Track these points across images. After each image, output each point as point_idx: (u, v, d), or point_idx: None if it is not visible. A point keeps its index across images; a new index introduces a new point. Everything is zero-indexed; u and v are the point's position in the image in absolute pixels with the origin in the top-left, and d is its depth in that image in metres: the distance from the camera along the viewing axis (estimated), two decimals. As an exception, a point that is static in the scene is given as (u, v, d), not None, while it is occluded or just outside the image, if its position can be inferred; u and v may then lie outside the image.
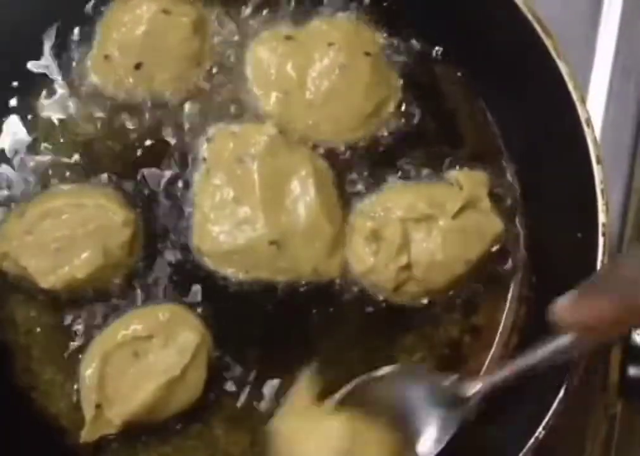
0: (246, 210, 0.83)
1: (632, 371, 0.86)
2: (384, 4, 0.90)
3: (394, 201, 0.85)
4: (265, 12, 0.90)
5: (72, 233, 0.82)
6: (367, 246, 0.85)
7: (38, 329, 0.85)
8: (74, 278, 0.81)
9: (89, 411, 0.81)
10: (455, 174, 0.88)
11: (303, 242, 0.84)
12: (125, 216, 0.83)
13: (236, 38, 0.90)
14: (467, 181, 0.86)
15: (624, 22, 1.00)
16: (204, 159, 0.86)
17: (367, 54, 0.86)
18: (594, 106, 0.97)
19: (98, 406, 0.80)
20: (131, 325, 0.82)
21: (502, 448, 0.78)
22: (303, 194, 0.84)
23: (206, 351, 0.82)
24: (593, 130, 0.77)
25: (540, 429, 0.74)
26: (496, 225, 0.86)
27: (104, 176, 0.87)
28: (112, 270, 0.84)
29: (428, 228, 0.84)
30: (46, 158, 0.87)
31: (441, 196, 0.85)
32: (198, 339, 0.81)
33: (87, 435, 0.81)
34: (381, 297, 0.86)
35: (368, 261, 0.85)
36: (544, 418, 0.74)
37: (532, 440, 0.74)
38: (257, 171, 0.84)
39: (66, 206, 0.83)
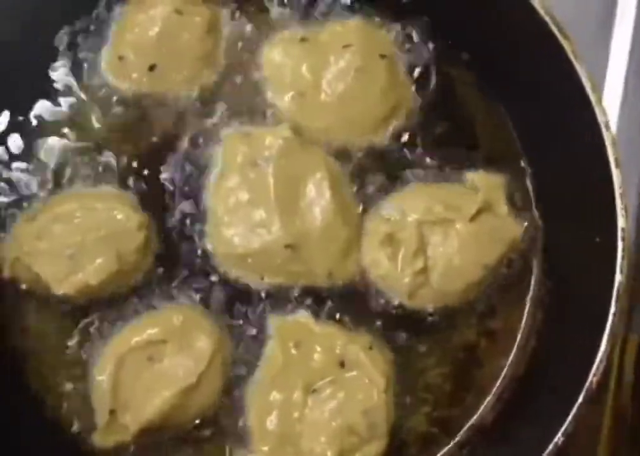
0: (261, 213, 0.83)
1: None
2: (400, 7, 0.89)
3: (410, 204, 0.85)
4: (279, 13, 0.89)
5: (84, 238, 0.81)
6: (382, 249, 0.84)
7: (51, 334, 0.85)
8: (87, 284, 0.80)
9: (102, 417, 0.80)
10: (471, 177, 0.87)
11: (319, 246, 0.83)
12: (139, 220, 0.82)
13: (250, 39, 0.89)
14: (483, 184, 0.86)
15: (639, 23, 1.00)
16: (218, 161, 0.86)
17: (383, 56, 0.86)
18: (609, 107, 0.96)
19: (112, 412, 0.79)
20: (145, 329, 0.82)
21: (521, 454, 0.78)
22: (318, 197, 0.83)
23: (221, 356, 0.82)
24: (612, 133, 0.76)
25: (559, 434, 0.74)
26: (514, 229, 0.85)
27: (117, 178, 0.86)
28: (126, 275, 0.83)
29: (444, 232, 0.83)
30: (58, 161, 0.86)
31: (457, 199, 0.85)
32: (213, 344, 0.81)
33: (100, 440, 0.81)
34: (396, 301, 0.85)
35: (384, 265, 0.84)
36: (562, 424, 0.74)
37: (551, 446, 0.74)
38: (272, 174, 0.83)
39: (77, 210, 0.82)
